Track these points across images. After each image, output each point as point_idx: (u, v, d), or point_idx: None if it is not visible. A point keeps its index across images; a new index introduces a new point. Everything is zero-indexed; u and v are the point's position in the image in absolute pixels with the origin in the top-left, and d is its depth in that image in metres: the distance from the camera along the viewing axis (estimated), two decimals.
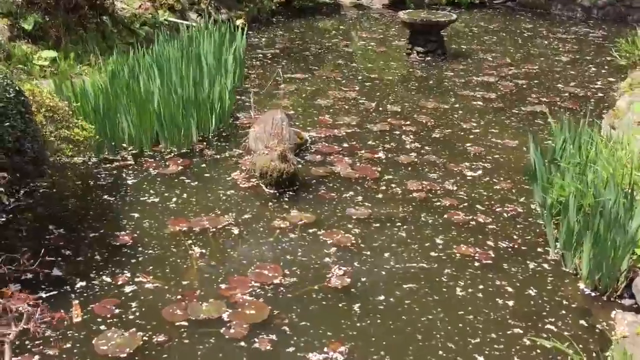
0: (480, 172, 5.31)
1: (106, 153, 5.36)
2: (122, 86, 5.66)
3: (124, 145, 5.54)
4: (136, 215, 4.46)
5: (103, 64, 6.56)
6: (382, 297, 3.60)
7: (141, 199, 4.71)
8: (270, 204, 4.71)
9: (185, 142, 5.63)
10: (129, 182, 4.99)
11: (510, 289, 3.67)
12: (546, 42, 10.13)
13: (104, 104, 5.42)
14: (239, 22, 9.95)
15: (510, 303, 3.55)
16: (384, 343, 3.23)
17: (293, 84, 7.65)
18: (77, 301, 3.50)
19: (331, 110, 6.78)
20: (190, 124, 5.67)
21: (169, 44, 6.92)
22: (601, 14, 12.11)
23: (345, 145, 5.82)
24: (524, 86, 7.73)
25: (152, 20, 7.97)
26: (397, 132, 6.18)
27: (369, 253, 4.03)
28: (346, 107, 6.92)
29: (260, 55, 8.89)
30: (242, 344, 3.22)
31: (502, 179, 5.18)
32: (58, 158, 4.46)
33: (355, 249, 4.09)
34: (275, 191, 4.86)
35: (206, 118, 5.87)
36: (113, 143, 5.43)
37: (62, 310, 2.90)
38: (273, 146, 4.95)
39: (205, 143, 5.77)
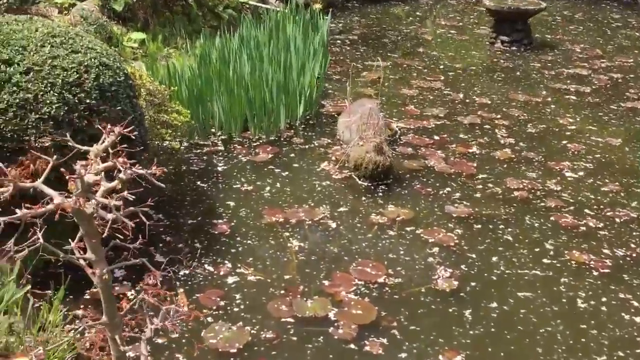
0: (582, 172, 5.03)
1: (196, 138, 5.33)
2: (212, 70, 5.61)
3: (213, 130, 5.51)
4: (232, 203, 4.41)
5: (190, 47, 6.54)
6: (494, 304, 3.43)
7: (234, 186, 4.65)
8: (364, 197, 4.58)
9: (273, 129, 5.55)
10: (220, 168, 4.94)
11: (636, 304, 3.45)
12: (638, 33, 9.59)
13: (197, 88, 5.39)
14: (316, 6, 9.79)
15: (638, 320, 3.32)
16: (502, 354, 3.07)
17: (374, 72, 7.47)
18: (182, 290, 3.47)
19: (416, 100, 6.58)
20: (280, 110, 5.58)
21: (255, 28, 6.83)
22: None
23: (436, 137, 5.62)
24: (620, 80, 7.32)
25: (234, 3, 7.90)
26: (489, 126, 5.93)
27: (474, 256, 3.86)
28: (431, 97, 6.70)
29: (339, 41, 8.72)
30: (352, 346, 3.12)
31: (608, 180, 4.89)
32: (157, 143, 4.44)
33: (458, 250, 3.93)
34: (369, 184, 4.73)
35: (294, 105, 5.77)
36: (204, 128, 5.40)
37: (176, 300, 2.86)
38: (368, 137, 4.81)
39: (292, 131, 5.68)
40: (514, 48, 8.54)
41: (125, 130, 2.08)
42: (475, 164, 5.11)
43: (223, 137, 5.46)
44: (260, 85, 5.52)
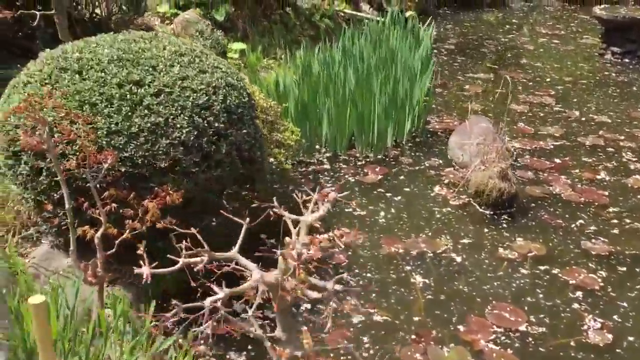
0: None
1: (302, 155, 5.11)
2: (318, 83, 5.38)
3: (317, 147, 5.28)
4: (346, 229, 4.14)
5: (290, 57, 6.34)
6: None
7: (346, 210, 4.39)
8: (488, 228, 4.22)
9: (380, 147, 5.27)
10: (329, 189, 4.70)
11: None
12: None
13: (301, 103, 5.17)
14: (409, 14, 9.48)
15: None
16: None
17: (477, 85, 7.08)
18: (305, 328, 3.22)
19: (526, 117, 6.16)
20: (388, 127, 5.29)
21: (358, 39, 6.56)
22: None
23: (557, 160, 5.19)
24: None
25: (330, 11, 7.67)
26: (613, 148, 5.45)
27: (626, 305, 3.44)
28: (542, 114, 6.26)
29: (435, 50, 8.35)
30: None
31: None
32: (274, 164, 4.23)
33: (605, 296, 3.52)
34: (492, 212, 4.37)
35: (402, 121, 5.47)
36: (309, 144, 5.17)
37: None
38: (491, 161, 4.45)
39: (399, 149, 5.38)
40: (626, 60, 7.95)
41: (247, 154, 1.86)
42: (606, 193, 4.66)
43: (328, 154, 5.22)
44: (370, 99, 5.24)
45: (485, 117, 5.37)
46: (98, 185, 2.48)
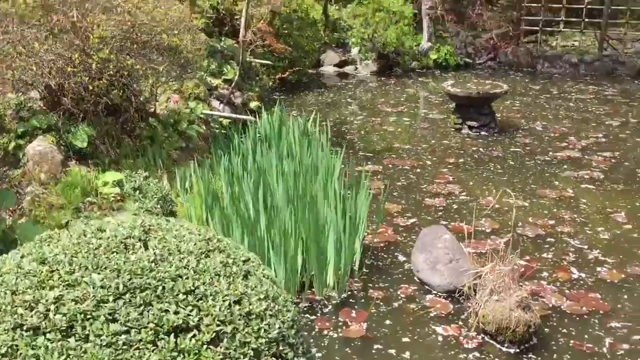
0: None
1: None
2: (234, 217, 4.33)
3: None
4: None
5: (181, 182, 5.14)
6: None
7: None
8: None
9: (338, 283, 4.36)
10: (319, 354, 3.65)
11: None
12: (572, 104, 9.80)
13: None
14: (253, 104, 8.78)
15: None
16: None
17: (376, 180, 6.55)
18: None
19: (448, 212, 5.77)
20: (341, 257, 4.41)
21: (252, 148, 5.60)
22: (589, 69, 12.14)
23: (522, 262, 4.79)
24: (621, 160, 7.13)
25: (191, 115, 6.59)
26: (553, 238, 5.22)
27: None
28: (455, 206, 5.92)
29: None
30: None
31: None
32: None
33: None
34: (515, 350, 3.73)
35: (349, 244, 4.63)
36: None
37: None
38: (504, 289, 3.84)
39: (359, 281, 4.53)
40: (484, 133, 8.16)
41: None
42: (598, 295, 4.35)
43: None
44: (308, 228, 4.32)
45: (443, 227, 4.80)
46: None
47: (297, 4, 10.23)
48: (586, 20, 12.16)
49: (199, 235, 2.25)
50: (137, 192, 4.18)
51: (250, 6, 8.48)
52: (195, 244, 2.14)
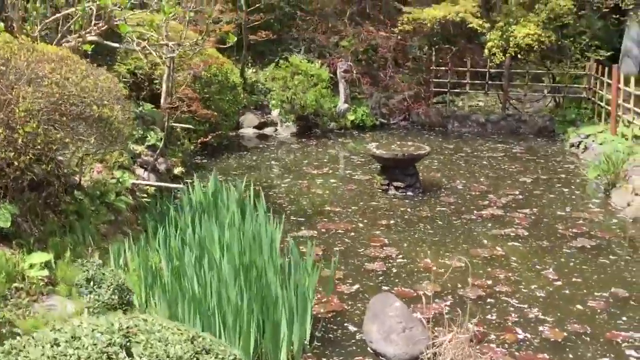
0: None
1: None
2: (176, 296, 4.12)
3: None
4: None
5: (115, 260, 4.84)
6: None
7: None
8: None
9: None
10: None
11: None
12: (485, 162, 10.29)
13: None
14: (177, 170, 8.57)
15: None
16: None
17: (303, 244, 6.48)
18: None
19: (388, 277, 5.79)
20: (293, 329, 4.28)
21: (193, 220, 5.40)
22: (496, 128, 12.88)
23: (470, 325, 4.83)
24: (540, 216, 7.49)
25: (118, 185, 6.30)
26: (493, 299, 5.35)
27: None
28: (395, 270, 5.96)
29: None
30: None
31: None
32: None
33: None
34: None
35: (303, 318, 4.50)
36: None
37: None
38: (464, 357, 3.83)
39: (312, 355, 4.38)
40: (409, 193, 8.35)
41: None
42: (546, 356, 4.45)
43: None
44: (260, 304, 4.17)
45: (393, 295, 4.78)
46: None
47: (216, 68, 10.22)
48: (489, 82, 13.00)
49: (181, 334, 2.08)
50: (91, 282, 3.85)
51: (172, 71, 8.37)
52: (181, 347, 1.98)
